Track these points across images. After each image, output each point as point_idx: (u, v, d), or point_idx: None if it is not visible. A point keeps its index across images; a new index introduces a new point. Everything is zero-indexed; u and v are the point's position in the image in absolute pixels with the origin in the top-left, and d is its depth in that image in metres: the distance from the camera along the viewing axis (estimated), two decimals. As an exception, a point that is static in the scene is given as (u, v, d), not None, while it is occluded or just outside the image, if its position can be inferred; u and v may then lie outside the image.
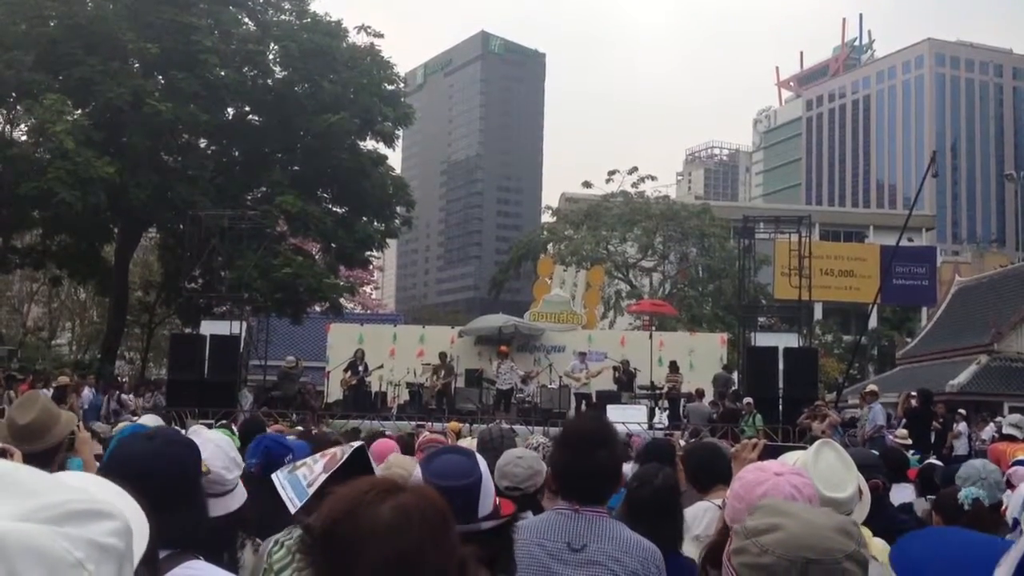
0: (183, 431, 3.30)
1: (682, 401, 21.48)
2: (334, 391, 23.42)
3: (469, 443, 6.67)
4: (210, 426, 9.52)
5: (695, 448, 5.18)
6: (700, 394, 20.95)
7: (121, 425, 8.69)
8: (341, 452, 2.96)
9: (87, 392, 21.44)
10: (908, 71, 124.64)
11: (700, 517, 4.15)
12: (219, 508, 2.87)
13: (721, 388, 21.79)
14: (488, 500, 2.38)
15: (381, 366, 22.43)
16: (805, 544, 1.58)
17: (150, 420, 6.54)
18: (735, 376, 22.61)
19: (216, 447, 3.03)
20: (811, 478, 2.54)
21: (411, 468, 3.72)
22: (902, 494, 6.13)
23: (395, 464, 3.97)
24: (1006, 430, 10.44)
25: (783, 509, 1.72)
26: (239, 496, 3.05)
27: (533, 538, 2.83)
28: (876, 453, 7.62)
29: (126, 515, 1.00)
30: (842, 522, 1.66)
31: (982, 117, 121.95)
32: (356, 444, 3.01)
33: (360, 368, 21.88)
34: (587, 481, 2.97)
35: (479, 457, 2.48)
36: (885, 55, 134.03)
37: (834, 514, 1.74)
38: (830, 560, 1.56)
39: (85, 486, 1.17)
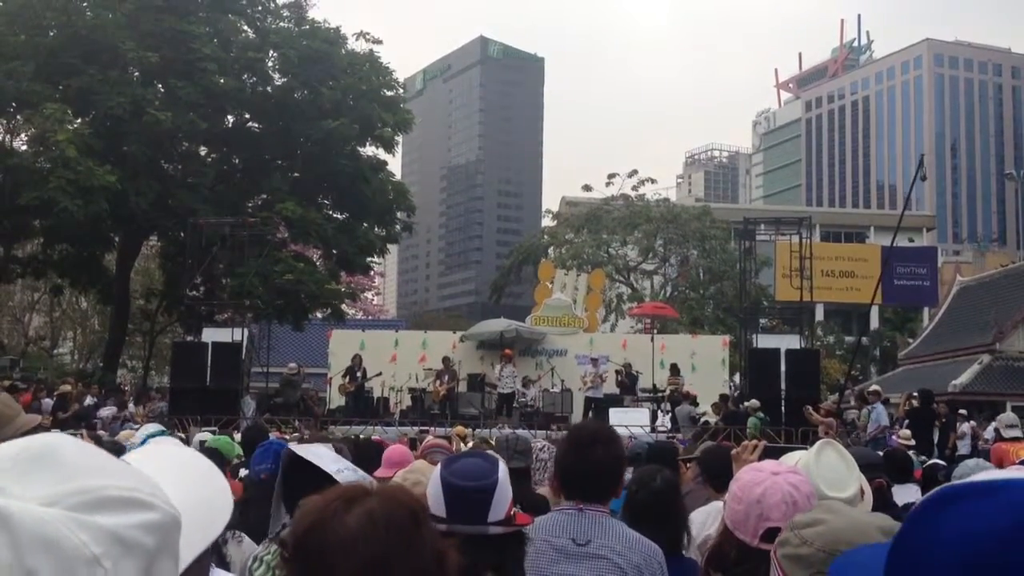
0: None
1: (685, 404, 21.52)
2: (336, 397, 23.41)
3: (470, 447, 6.69)
4: (213, 433, 9.54)
5: (713, 449, 5.21)
6: (686, 396, 20.98)
7: (125, 433, 8.73)
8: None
9: (89, 399, 21.43)
10: (907, 71, 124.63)
11: (715, 517, 4.16)
12: None
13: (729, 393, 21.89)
14: (502, 506, 2.41)
15: (380, 374, 22.41)
16: (844, 539, 1.59)
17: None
18: (737, 378, 22.64)
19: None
20: (812, 478, 2.54)
21: (429, 473, 3.73)
22: (907, 495, 6.13)
23: (417, 470, 3.98)
24: (1006, 433, 10.44)
25: (833, 508, 1.74)
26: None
27: (539, 535, 2.90)
28: (879, 454, 7.63)
29: (171, 509, 0.95)
30: (889, 524, 1.66)
31: (981, 116, 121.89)
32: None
33: (358, 374, 21.87)
34: (588, 480, 3.06)
35: (501, 464, 2.51)
36: (884, 56, 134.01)
37: (884, 516, 1.74)
38: None
39: (159, 467, 1.13)
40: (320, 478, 2.72)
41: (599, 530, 3.00)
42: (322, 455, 2.86)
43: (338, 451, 3.31)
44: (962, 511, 0.84)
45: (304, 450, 2.84)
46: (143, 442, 4.87)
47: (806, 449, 2.97)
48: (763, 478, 2.28)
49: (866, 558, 1.43)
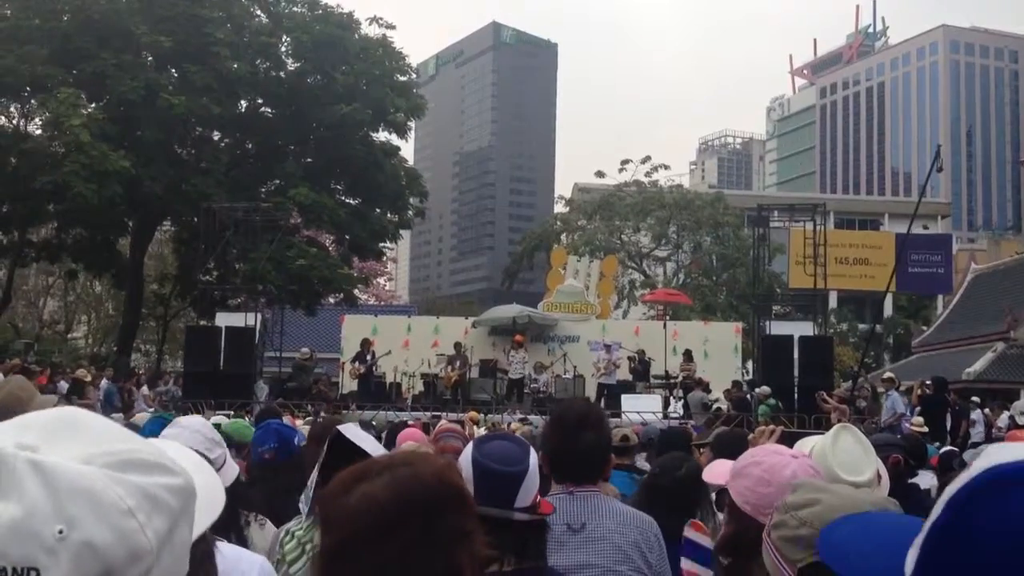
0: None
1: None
2: (348, 382, 23.47)
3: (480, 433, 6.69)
4: (228, 417, 9.58)
5: (726, 434, 5.20)
6: (699, 383, 20.97)
7: (141, 415, 8.76)
8: None
9: (104, 383, 21.51)
10: (922, 58, 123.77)
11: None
12: None
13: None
14: (529, 493, 2.42)
15: (388, 352, 22.40)
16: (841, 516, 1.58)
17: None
18: (750, 365, 22.58)
19: (192, 433, 3.12)
20: (828, 462, 2.53)
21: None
22: (922, 481, 6.12)
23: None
24: (1020, 420, 10.41)
25: (823, 487, 1.73)
26: (228, 473, 3.10)
27: None
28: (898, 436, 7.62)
29: (191, 478, 1.01)
30: (882, 500, 1.66)
31: (997, 103, 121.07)
32: None
33: (368, 357, 21.91)
34: (576, 462, 3.04)
35: (532, 451, 2.51)
36: (899, 42, 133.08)
37: (875, 493, 1.74)
38: None
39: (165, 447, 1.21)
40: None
41: (592, 511, 2.99)
42: (366, 440, 2.85)
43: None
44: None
45: (351, 432, 2.84)
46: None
47: (822, 434, 2.96)
48: (787, 460, 2.27)
49: (861, 529, 1.42)
